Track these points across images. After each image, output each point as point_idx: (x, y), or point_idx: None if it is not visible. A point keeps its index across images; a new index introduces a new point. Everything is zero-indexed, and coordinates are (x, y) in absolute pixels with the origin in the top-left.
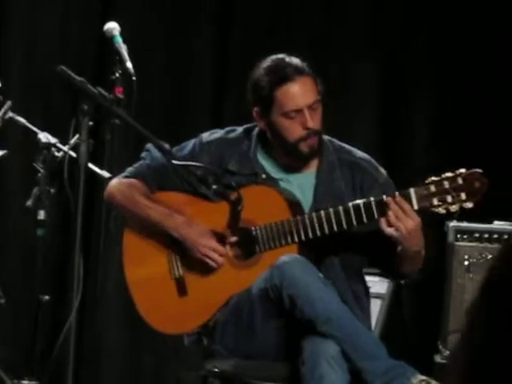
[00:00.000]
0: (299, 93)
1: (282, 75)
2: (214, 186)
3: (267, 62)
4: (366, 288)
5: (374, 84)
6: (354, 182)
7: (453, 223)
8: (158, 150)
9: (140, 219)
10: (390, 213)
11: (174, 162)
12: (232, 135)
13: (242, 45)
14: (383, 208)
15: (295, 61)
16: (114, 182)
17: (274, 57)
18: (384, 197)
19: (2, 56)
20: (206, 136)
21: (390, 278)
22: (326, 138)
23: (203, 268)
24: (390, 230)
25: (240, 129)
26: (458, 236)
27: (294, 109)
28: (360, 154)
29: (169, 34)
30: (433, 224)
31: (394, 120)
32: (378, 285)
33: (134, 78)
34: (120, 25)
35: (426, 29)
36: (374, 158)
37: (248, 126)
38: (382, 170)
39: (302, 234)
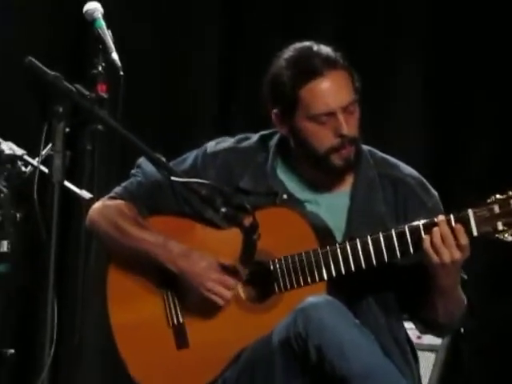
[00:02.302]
0: (331, 91)
1: (308, 69)
2: (223, 209)
3: (290, 51)
4: (408, 337)
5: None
6: (396, 204)
7: None
8: (152, 163)
9: (128, 251)
10: (438, 234)
11: (172, 178)
12: (244, 144)
13: (254, 31)
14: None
15: (325, 50)
16: (98, 205)
17: (298, 45)
18: (435, 219)
19: None
20: (212, 146)
21: (424, 327)
22: (365, 148)
23: (208, 312)
24: (430, 252)
25: (255, 136)
26: None
27: (325, 111)
28: (408, 169)
29: (163, 16)
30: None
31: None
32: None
33: (121, 73)
34: (103, 5)
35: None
36: (423, 176)
37: (264, 132)
38: (434, 192)
39: (333, 268)
